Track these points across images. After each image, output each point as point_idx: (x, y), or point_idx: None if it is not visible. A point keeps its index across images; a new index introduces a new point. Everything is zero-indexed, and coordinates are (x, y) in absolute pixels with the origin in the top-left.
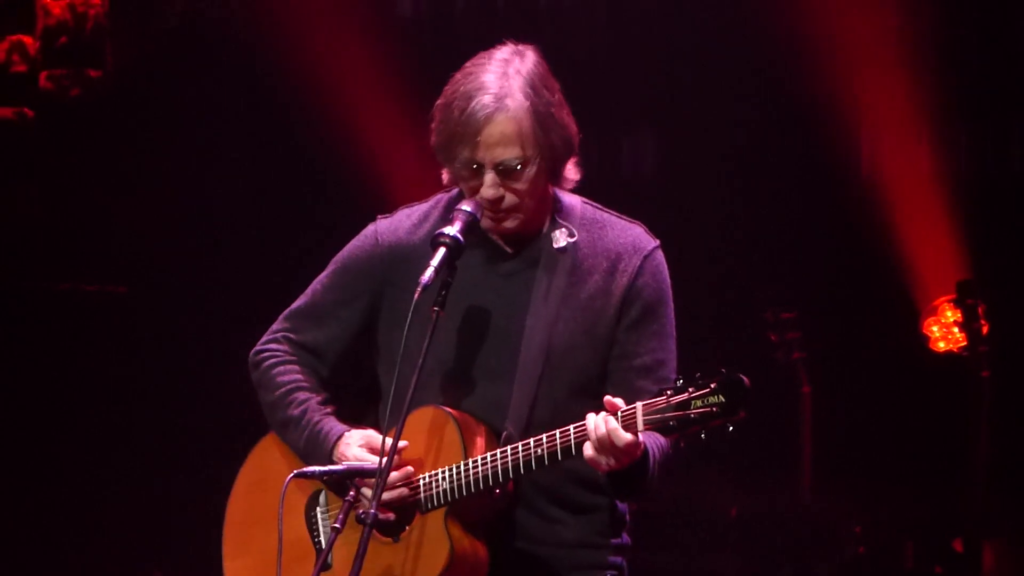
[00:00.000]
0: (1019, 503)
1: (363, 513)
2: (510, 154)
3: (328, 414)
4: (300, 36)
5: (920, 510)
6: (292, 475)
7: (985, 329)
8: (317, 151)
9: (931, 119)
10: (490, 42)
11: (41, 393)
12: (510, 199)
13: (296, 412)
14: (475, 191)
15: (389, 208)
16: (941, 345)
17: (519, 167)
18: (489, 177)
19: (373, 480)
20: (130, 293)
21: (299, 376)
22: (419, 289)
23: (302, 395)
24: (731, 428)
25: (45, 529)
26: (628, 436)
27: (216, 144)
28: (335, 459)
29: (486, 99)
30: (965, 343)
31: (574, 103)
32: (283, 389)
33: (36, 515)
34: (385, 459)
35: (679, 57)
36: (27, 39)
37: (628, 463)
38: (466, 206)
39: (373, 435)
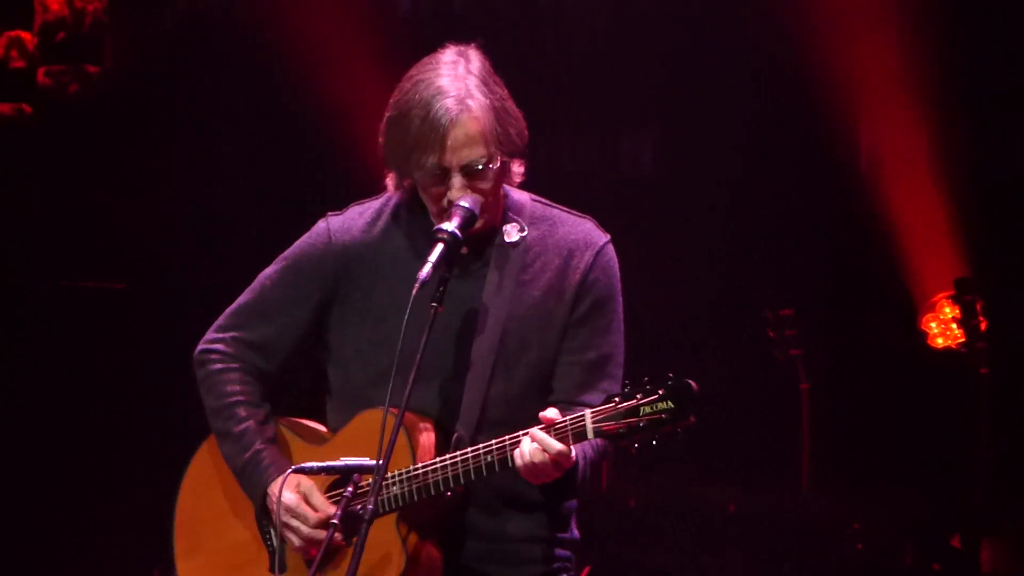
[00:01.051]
0: (1018, 500)
1: (361, 508)
2: (476, 154)
3: (268, 440)
4: (301, 34)
5: (919, 507)
6: (291, 469)
7: (983, 326)
8: (317, 148)
9: (930, 117)
10: (490, 39)
11: (41, 389)
12: (474, 197)
13: (236, 430)
14: (439, 198)
15: None
16: (940, 341)
17: (484, 166)
18: (457, 180)
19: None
20: (129, 289)
21: (240, 388)
22: (417, 285)
23: (243, 411)
24: (680, 433)
25: (44, 527)
26: (559, 446)
27: (216, 141)
28: (268, 493)
29: (448, 102)
30: (964, 339)
31: (574, 102)
32: (226, 400)
33: (36, 512)
34: (383, 455)
35: (678, 56)
36: (25, 35)
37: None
38: (464, 202)
39: (304, 480)
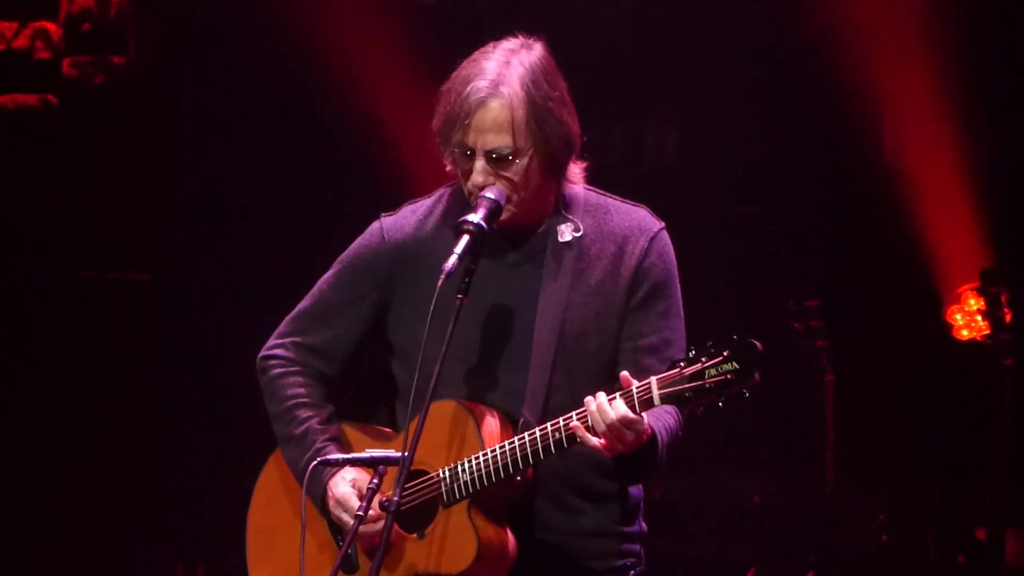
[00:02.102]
0: None
1: (386, 500)
2: (501, 142)
3: (329, 439)
4: (324, 25)
5: (943, 498)
6: (316, 461)
7: (1008, 317)
8: (340, 141)
9: (954, 108)
10: (511, 31)
11: (63, 380)
12: (501, 189)
13: (298, 432)
14: (466, 177)
15: (408, 199)
16: (964, 333)
17: (510, 157)
18: (479, 164)
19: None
20: (152, 280)
21: (303, 391)
22: (442, 276)
23: (304, 412)
24: (747, 394)
25: (66, 521)
26: (623, 409)
27: (240, 132)
28: (329, 487)
29: (481, 84)
30: (988, 331)
31: (596, 93)
32: (287, 404)
33: (60, 506)
34: (408, 447)
35: (702, 48)
36: (51, 25)
37: (635, 446)
38: (490, 193)
39: (361, 476)
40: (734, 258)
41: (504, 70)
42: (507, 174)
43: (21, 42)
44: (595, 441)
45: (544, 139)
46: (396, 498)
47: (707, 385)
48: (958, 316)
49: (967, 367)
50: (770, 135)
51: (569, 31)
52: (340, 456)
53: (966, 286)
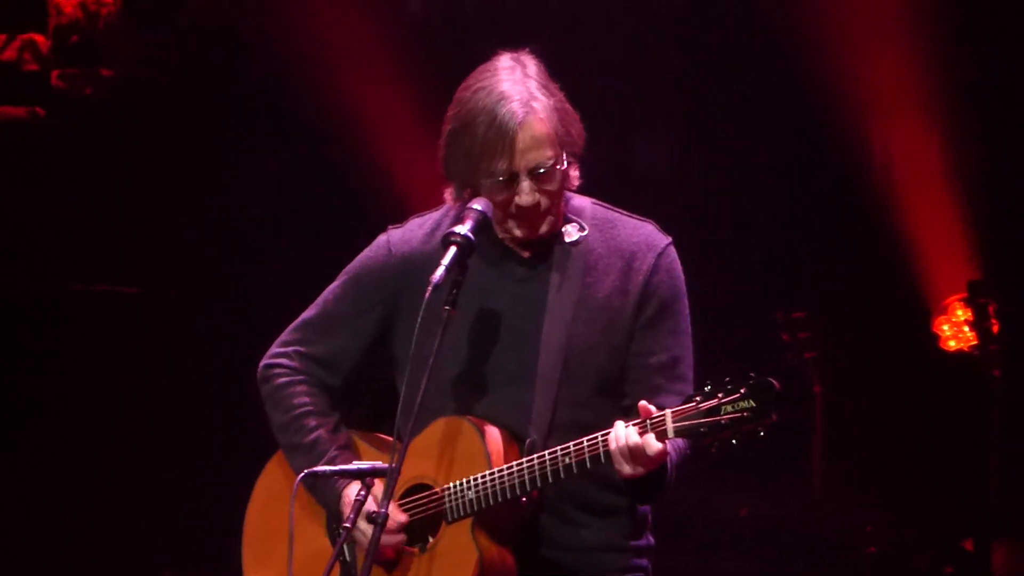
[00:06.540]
0: None
1: (374, 512)
2: (543, 156)
3: (342, 447)
4: (313, 35)
5: (931, 510)
6: (303, 475)
7: (996, 328)
8: (330, 151)
9: (943, 118)
10: (500, 40)
11: (52, 393)
12: (544, 202)
13: (307, 441)
14: (506, 204)
15: (402, 210)
16: (952, 344)
17: (551, 167)
18: (526, 184)
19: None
20: (141, 293)
21: (309, 400)
22: (430, 288)
23: (312, 421)
24: (762, 432)
25: (57, 530)
26: (659, 446)
27: (228, 143)
28: (344, 497)
29: (513, 106)
30: (976, 342)
31: (585, 102)
32: (294, 413)
33: (46, 515)
34: (396, 459)
35: (692, 59)
36: (39, 38)
37: (651, 469)
38: (477, 205)
39: (378, 485)
40: (722, 269)
41: (521, 87)
42: (548, 187)
43: (9, 54)
44: (627, 470)
45: (571, 141)
46: (384, 511)
47: (722, 422)
48: (946, 327)
49: (954, 378)
50: (757, 144)
51: (557, 37)
52: (328, 468)
53: (953, 297)
